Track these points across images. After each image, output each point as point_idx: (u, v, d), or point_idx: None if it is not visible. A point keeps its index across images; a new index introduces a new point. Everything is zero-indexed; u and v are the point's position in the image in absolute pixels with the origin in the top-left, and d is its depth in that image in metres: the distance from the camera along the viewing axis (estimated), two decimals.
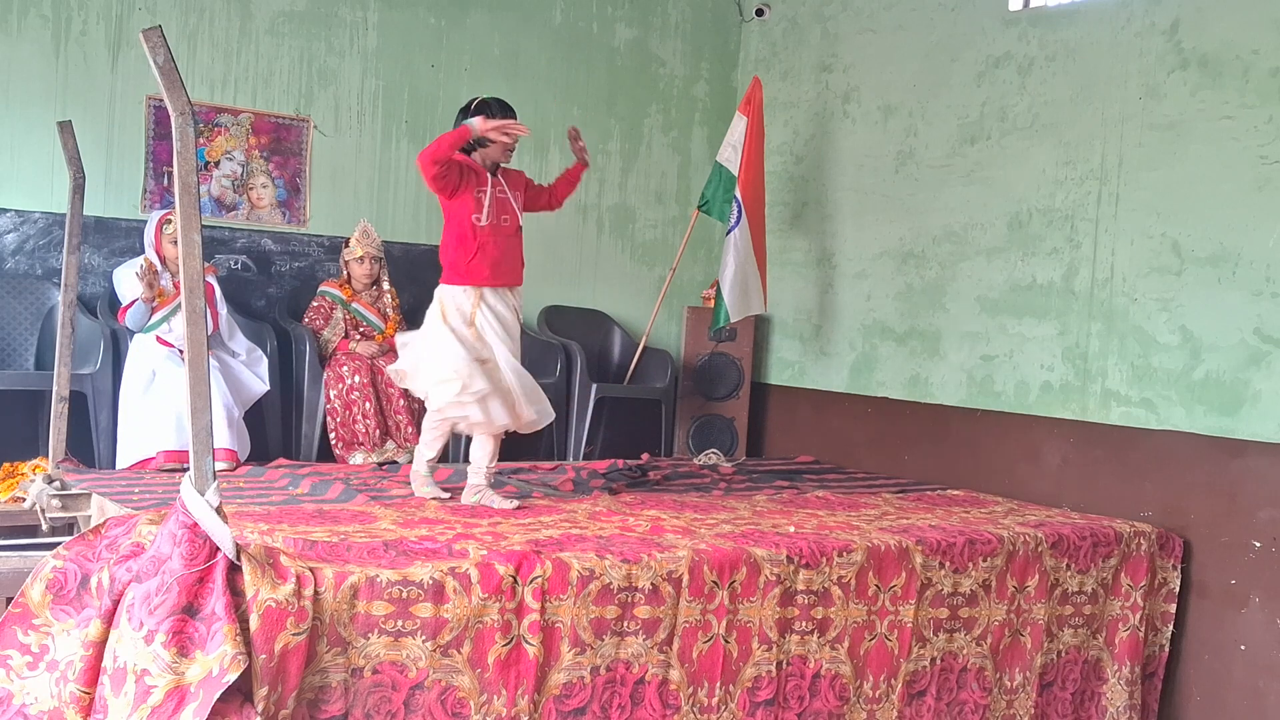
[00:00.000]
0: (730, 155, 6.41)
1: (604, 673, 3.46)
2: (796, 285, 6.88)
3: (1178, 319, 5.03)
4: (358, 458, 5.51)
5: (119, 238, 5.73)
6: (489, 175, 4.43)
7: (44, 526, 4.43)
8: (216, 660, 2.77)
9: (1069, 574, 4.45)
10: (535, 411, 4.43)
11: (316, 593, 2.98)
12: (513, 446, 4.63)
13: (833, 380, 6.65)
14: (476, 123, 4.29)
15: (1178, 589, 4.82)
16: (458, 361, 4.29)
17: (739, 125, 6.39)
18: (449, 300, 4.39)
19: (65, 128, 4.70)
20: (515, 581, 3.30)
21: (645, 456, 6.03)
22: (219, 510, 2.90)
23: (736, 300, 6.35)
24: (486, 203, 4.38)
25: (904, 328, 6.25)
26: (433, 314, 4.42)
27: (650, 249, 7.19)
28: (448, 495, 4.43)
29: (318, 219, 6.25)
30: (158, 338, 5.27)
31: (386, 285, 6.01)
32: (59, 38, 5.62)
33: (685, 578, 3.58)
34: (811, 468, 6.18)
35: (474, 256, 4.36)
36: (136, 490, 4.36)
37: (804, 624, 3.82)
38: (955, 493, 5.48)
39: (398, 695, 3.12)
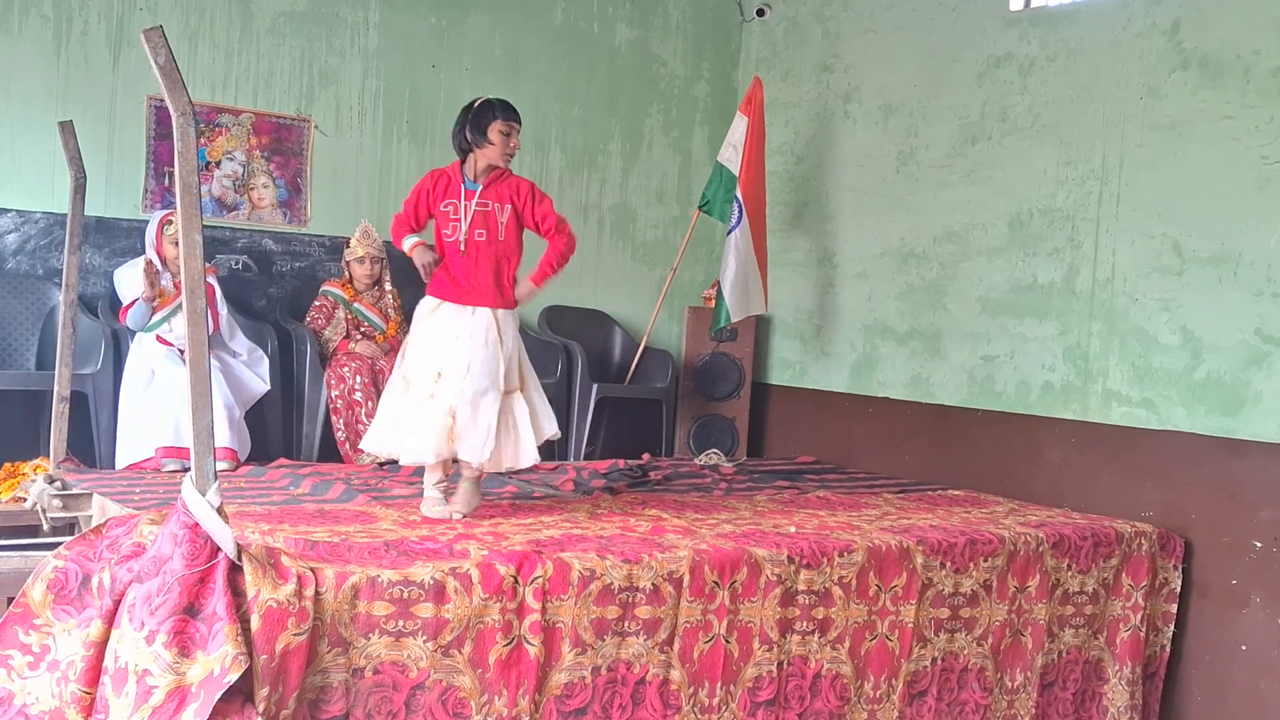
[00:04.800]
0: (731, 155, 6.41)
1: (605, 673, 3.46)
2: (797, 285, 6.88)
3: (1179, 319, 5.03)
4: (366, 458, 5.51)
5: (120, 238, 5.73)
6: (467, 187, 4.15)
7: (45, 526, 4.43)
8: (218, 660, 2.77)
9: (1070, 574, 4.45)
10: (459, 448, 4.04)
11: (317, 593, 2.98)
12: None
13: (833, 380, 6.65)
14: (415, 256, 4.15)
15: (1179, 589, 4.82)
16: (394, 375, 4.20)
17: (740, 125, 6.39)
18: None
19: (66, 128, 4.70)
20: (516, 582, 3.30)
21: (646, 456, 6.03)
22: (220, 510, 2.90)
23: (737, 300, 6.35)
24: (461, 216, 4.12)
25: (905, 328, 6.25)
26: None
27: (651, 249, 7.19)
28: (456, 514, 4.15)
29: (319, 219, 6.25)
30: (158, 337, 5.27)
31: (388, 285, 6.01)
32: (60, 38, 5.62)
33: (686, 578, 3.58)
34: (812, 468, 6.18)
35: (441, 270, 4.15)
36: (137, 490, 4.37)
37: (805, 624, 3.82)
38: (956, 493, 5.48)
39: (399, 695, 3.12)
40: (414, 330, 4.20)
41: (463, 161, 4.21)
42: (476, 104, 4.22)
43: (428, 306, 4.19)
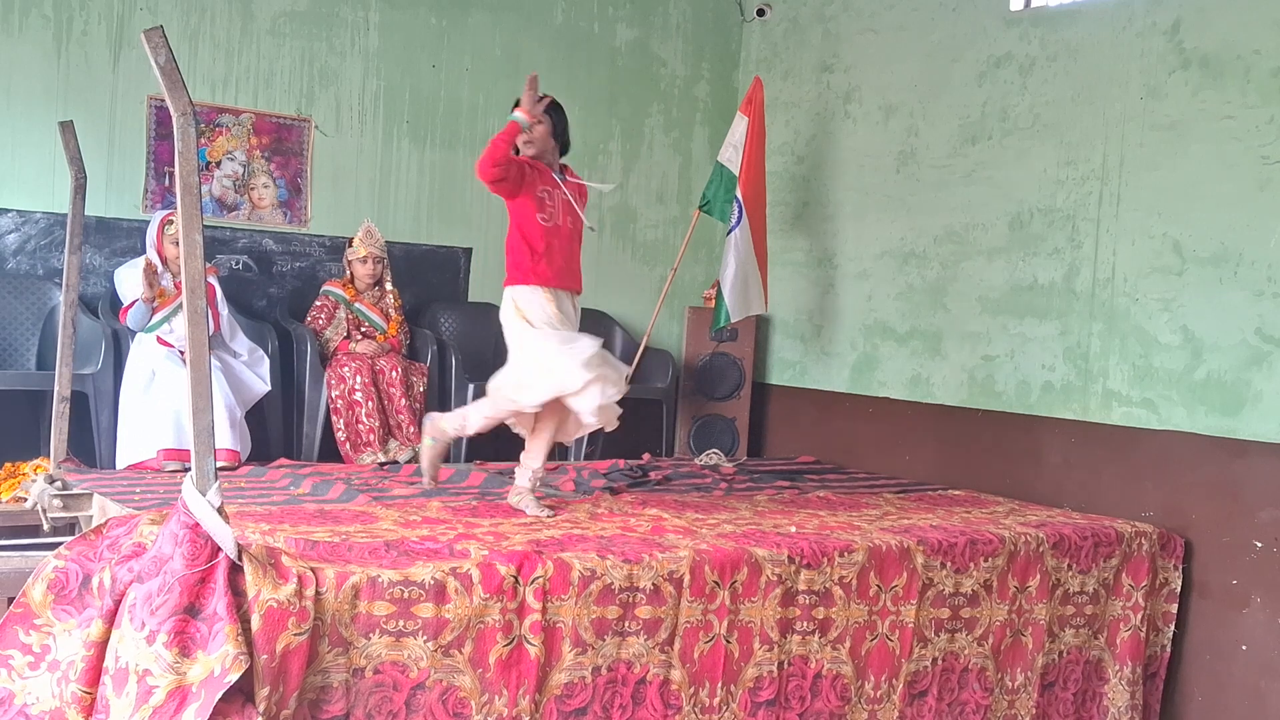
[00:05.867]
0: (731, 155, 6.41)
1: (605, 673, 3.46)
2: (797, 285, 6.88)
3: (1179, 319, 5.03)
4: (365, 458, 5.52)
5: (120, 238, 5.74)
6: (555, 176, 4.35)
7: (45, 526, 4.43)
8: (218, 660, 2.77)
9: (1070, 574, 4.45)
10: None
11: (318, 593, 2.98)
12: (513, 447, 4.60)
13: (834, 380, 6.65)
14: (521, 115, 4.16)
15: (1179, 589, 4.82)
16: (553, 348, 4.15)
17: (740, 125, 6.39)
18: (522, 300, 4.23)
19: (67, 128, 4.70)
20: (516, 582, 3.30)
21: (646, 457, 6.03)
22: (220, 510, 2.90)
23: (737, 300, 6.35)
24: (552, 202, 4.29)
25: (905, 328, 6.25)
26: (511, 319, 4.25)
27: (651, 249, 7.19)
28: (550, 513, 4.21)
29: (319, 219, 6.25)
30: (158, 338, 5.28)
31: (389, 285, 6.02)
32: (60, 38, 5.62)
33: (686, 578, 3.58)
34: (813, 468, 6.18)
35: (540, 256, 4.24)
36: (138, 490, 4.37)
37: (805, 624, 3.82)
38: (956, 493, 5.48)
39: (399, 695, 3.12)
40: (547, 312, 4.23)
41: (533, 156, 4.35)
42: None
43: (539, 295, 4.24)
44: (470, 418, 4.42)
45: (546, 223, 4.26)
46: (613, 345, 6.89)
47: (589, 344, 4.16)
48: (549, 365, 4.15)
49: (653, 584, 3.52)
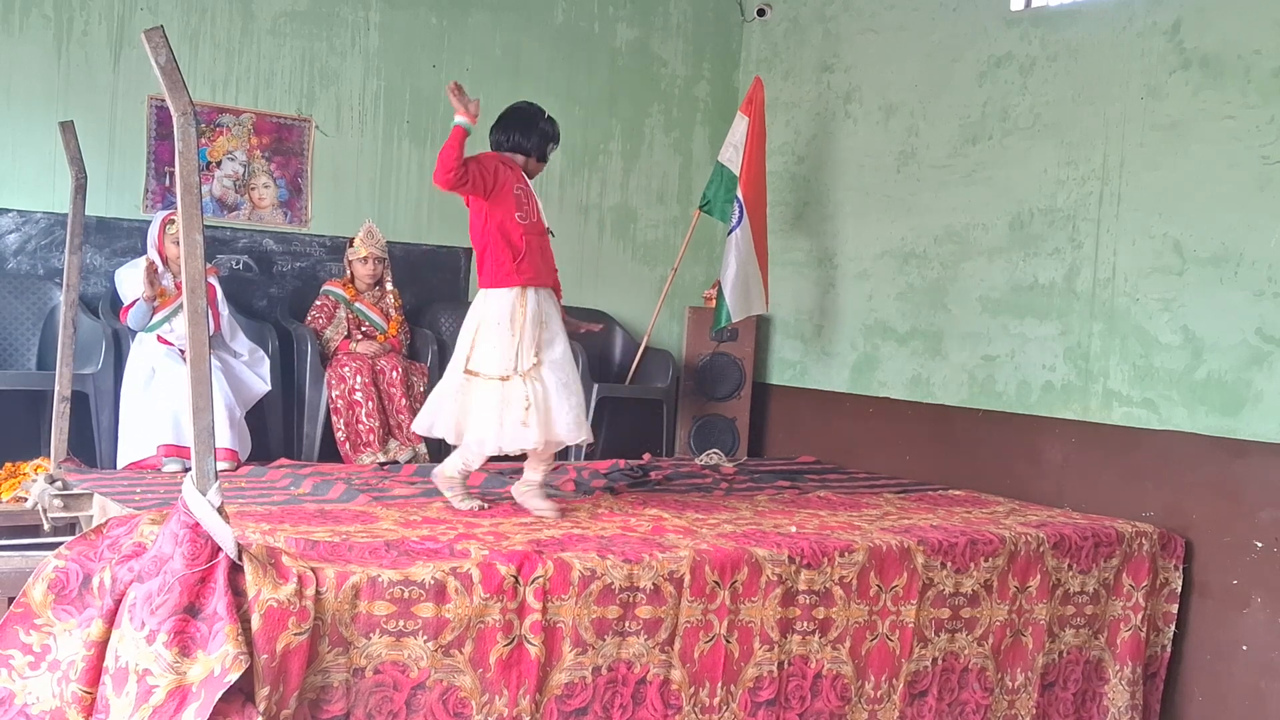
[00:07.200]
0: (732, 155, 6.41)
1: (605, 673, 3.46)
2: (798, 285, 6.88)
3: (1179, 319, 5.03)
4: (365, 458, 5.52)
5: (121, 238, 5.74)
6: (525, 176, 4.34)
7: (46, 526, 4.43)
8: (218, 660, 2.77)
9: (1070, 574, 4.45)
10: (563, 431, 4.15)
11: (318, 593, 2.98)
12: None
13: (834, 380, 6.65)
14: (464, 120, 4.08)
15: (1179, 589, 4.82)
16: (491, 405, 4.11)
17: (740, 125, 6.40)
18: (495, 304, 4.17)
19: (67, 128, 4.70)
20: (517, 581, 3.30)
21: (647, 456, 6.03)
22: (221, 510, 2.90)
23: (738, 300, 6.35)
24: (528, 200, 4.26)
25: (905, 328, 6.25)
26: (473, 329, 4.19)
27: (652, 249, 7.19)
28: (486, 505, 4.24)
29: (319, 219, 6.25)
30: (159, 336, 5.28)
31: (389, 285, 6.02)
32: (61, 38, 5.62)
33: (687, 578, 3.58)
34: (813, 468, 6.18)
35: (523, 255, 4.18)
36: (138, 490, 4.37)
37: (805, 624, 3.82)
38: (957, 493, 5.48)
39: (399, 695, 3.12)
40: (515, 319, 4.16)
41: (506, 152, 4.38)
42: (547, 115, 4.44)
43: (513, 297, 4.17)
44: (470, 462, 4.28)
45: (524, 221, 4.21)
46: (613, 345, 6.90)
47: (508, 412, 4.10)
48: (488, 418, 4.12)
49: (653, 584, 3.52)
